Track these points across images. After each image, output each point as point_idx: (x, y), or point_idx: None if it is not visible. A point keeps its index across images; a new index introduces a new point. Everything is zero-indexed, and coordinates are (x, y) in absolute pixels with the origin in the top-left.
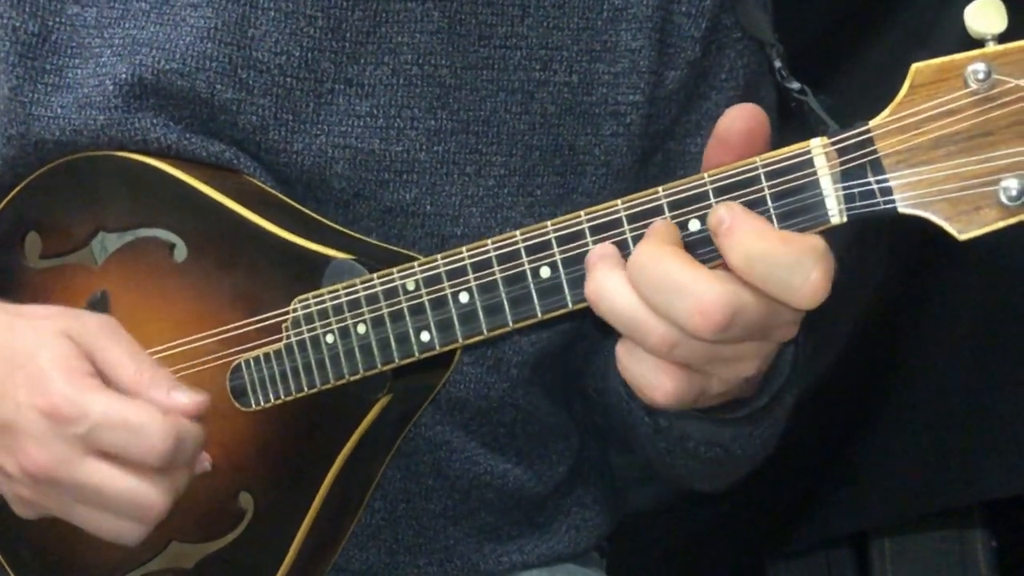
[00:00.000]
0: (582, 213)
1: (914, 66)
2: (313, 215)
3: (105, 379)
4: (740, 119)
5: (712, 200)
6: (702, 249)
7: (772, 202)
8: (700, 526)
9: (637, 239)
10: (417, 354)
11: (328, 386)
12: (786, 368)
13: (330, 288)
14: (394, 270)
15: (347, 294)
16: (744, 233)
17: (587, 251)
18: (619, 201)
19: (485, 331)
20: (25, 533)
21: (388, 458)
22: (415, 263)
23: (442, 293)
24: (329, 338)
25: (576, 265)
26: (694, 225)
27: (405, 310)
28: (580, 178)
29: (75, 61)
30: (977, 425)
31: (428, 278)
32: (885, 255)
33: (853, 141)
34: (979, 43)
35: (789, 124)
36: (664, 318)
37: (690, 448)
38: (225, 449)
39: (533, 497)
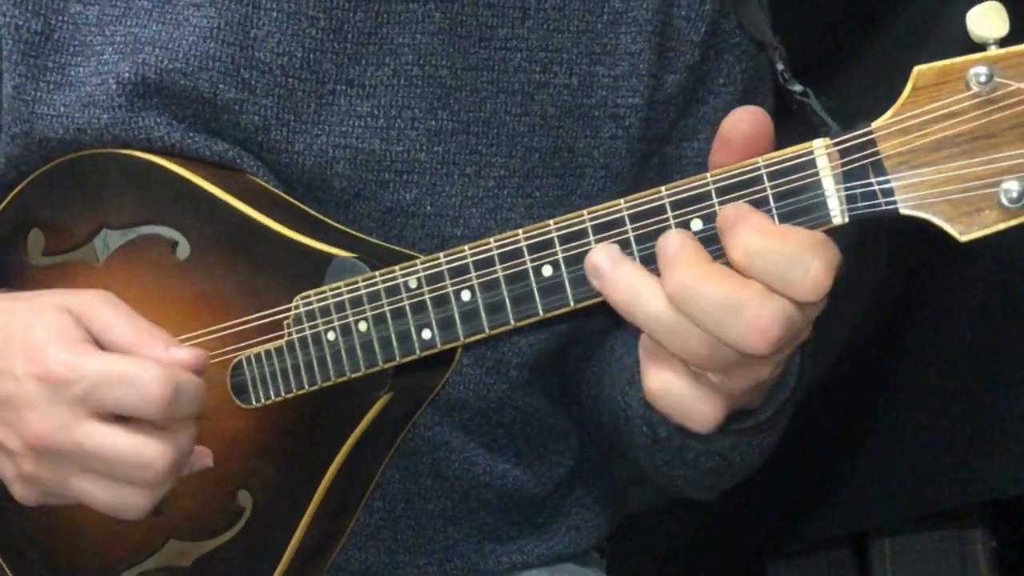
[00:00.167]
0: (584, 212)
1: (916, 68)
2: (316, 214)
3: (103, 345)
4: (743, 121)
5: (715, 200)
6: (705, 248)
7: (774, 202)
8: (700, 526)
9: (639, 238)
10: (418, 352)
11: (329, 383)
12: (792, 380)
13: (332, 286)
14: (396, 268)
15: (349, 291)
16: (745, 229)
17: (590, 249)
18: (621, 200)
19: (487, 329)
20: (24, 531)
21: (388, 457)
22: (417, 260)
23: (444, 291)
24: (330, 335)
25: (578, 264)
26: (696, 225)
27: (407, 308)
28: (579, 180)
29: (77, 59)
30: (977, 425)
31: (430, 276)
32: (885, 255)
33: (855, 142)
34: (980, 46)
35: (787, 127)
36: (710, 334)
37: (690, 458)
38: (225, 446)
39: (533, 498)
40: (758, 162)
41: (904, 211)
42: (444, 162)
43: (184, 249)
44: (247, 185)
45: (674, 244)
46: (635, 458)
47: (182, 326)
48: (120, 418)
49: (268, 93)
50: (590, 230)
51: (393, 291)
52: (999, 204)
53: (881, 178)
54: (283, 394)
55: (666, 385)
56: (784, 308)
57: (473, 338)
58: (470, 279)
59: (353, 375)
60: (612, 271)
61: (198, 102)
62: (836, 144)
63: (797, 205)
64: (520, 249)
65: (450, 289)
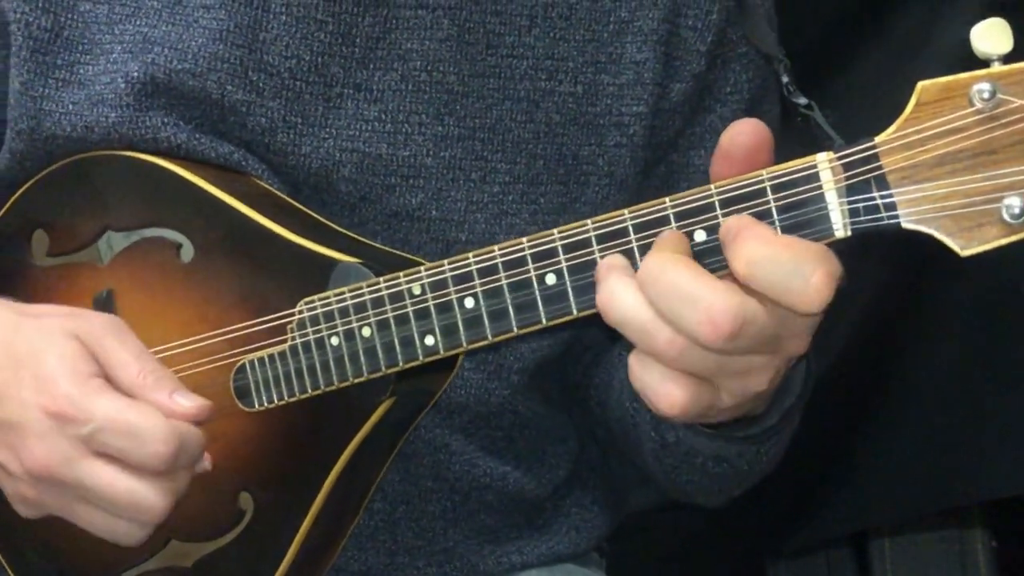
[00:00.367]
0: (589, 222)
1: (920, 84)
2: (320, 218)
3: (109, 379)
4: (744, 133)
5: (718, 211)
6: (708, 259)
7: (777, 214)
8: (700, 526)
9: (643, 248)
10: (421, 358)
11: (332, 388)
12: (797, 387)
13: (336, 291)
14: (400, 274)
15: (353, 297)
16: (747, 239)
17: (593, 259)
18: (626, 211)
19: (490, 336)
20: (25, 531)
21: (389, 461)
22: (421, 267)
23: (448, 298)
24: (334, 340)
25: (581, 273)
26: (700, 236)
27: (410, 314)
28: (583, 188)
29: (86, 57)
30: (977, 425)
31: (434, 283)
32: (884, 257)
33: (859, 156)
34: (984, 62)
35: (789, 138)
36: (673, 326)
37: (697, 464)
38: (227, 449)
39: (532, 499)
40: (762, 174)
41: (906, 225)
42: (450, 167)
43: (188, 252)
44: (251, 188)
45: (660, 237)
46: (644, 463)
47: (185, 329)
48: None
49: (276, 96)
50: (594, 240)
51: (397, 297)
52: (1000, 220)
53: (884, 192)
54: (286, 398)
55: (639, 359)
56: (743, 305)
57: (476, 345)
58: (474, 286)
59: (356, 380)
60: (604, 274)
61: (206, 103)
62: (840, 158)
63: (800, 218)
64: (524, 257)
65: (454, 296)
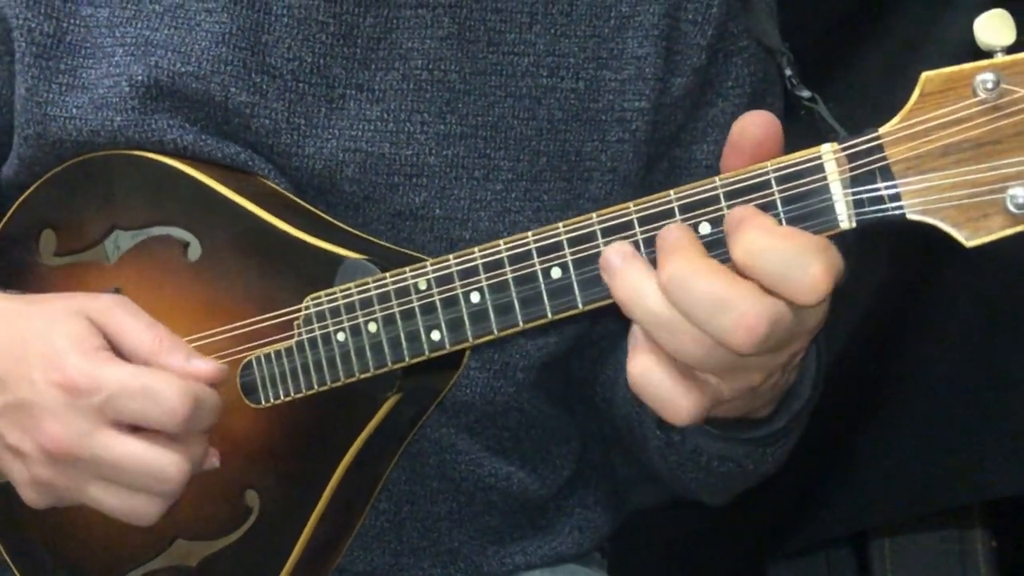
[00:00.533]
0: (594, 215)
1: (924, 75)
2: (326, 216)
3: (122, 351)
4: (753, 125)
5: (723, 204)
6: (713, 252)
7: (782, 206)
8: (700, 526)
9: (648, 241)
10: (427, 353)
11: (338, 384)
12: (807, 391)
13: (342, 287)
14: (406, 269)
15: (359, 292)
16: (748, 229)
17: (598, 253)
18: (630, 204)
19: (496, 331)
20: (30, 530)
21: (395, 459)
22: (427, 262)
23: (453, 292)
24: (340, 336)
25: (587, 267)
26: (704, 228)
27: (416, 309)
28: (587, 184)
29: (89, 62)
30: (977, 425)
31: (440, 277)
32: (885, 256)
33: (863, 147)
34: (987, 53)
35: (794, 130)
36: (702, 331)
37: (702, 462)
38: (233, 446)
39: (536, 500)
40: (767, 166)
41: (911, 216)
42: (453, 166)
43: (195, 250)
44: (258, 187)
45: (671, 236)
46: (650, 460)
47: (193, 326)
48: (135, 427)
49: (279, 97)
50: (599, 233)
51: (403, 292)
52: (1005, 210)
53: (888, 183)
54: (292, 394)
55: (646, 372)
56: (774, 308)
57: (482, 339)
58: (479, 281)
59: (362, 375)
60: (621, 266)
61: (210, 105)
62: (844, 149)
63: (805, 209)
64: (529, 251)
65: (459, 291)
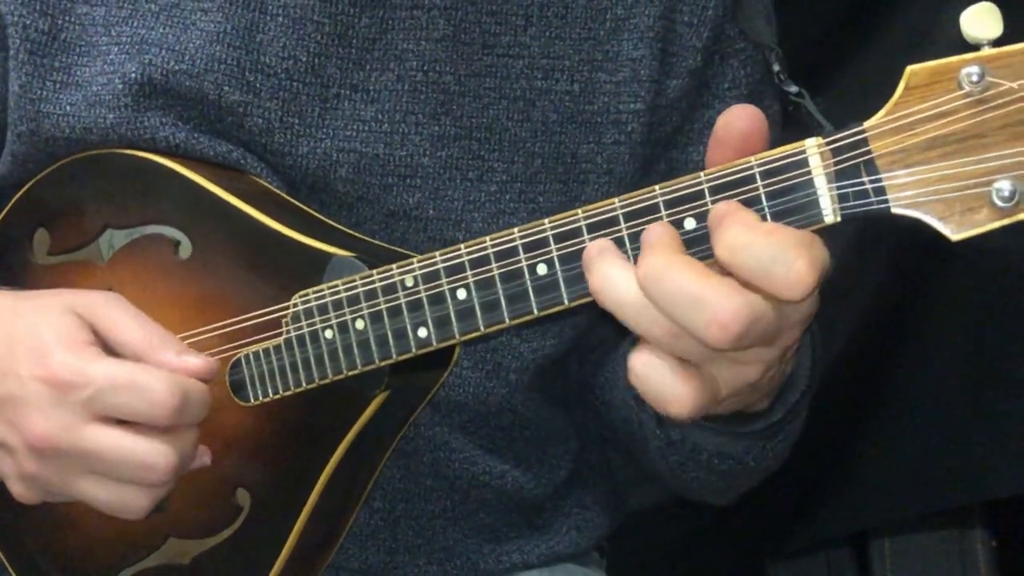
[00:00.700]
0: (579, 211)
1: (909, 68)
2: (316, 214)
3: (112, 347)
4: (739, 119)
5: (708, 199)
6: (697, 247)
7: (767, 201)
8: (700, 526)
9: (633, 236)
10: (414, 350)
11: (326, 381)
12: (802, 382)
13: (330, 284)
14: (393, 266)
15: (346, 289)
16: (731, 225)
17: (584, 248)
18: (616, 199)
19: (482, 327)
20: (24, 528)
21: (386, 457)
22: (414, 259)
23: (440, 289)
24: (328, 333)
25: (573, 263)
26: (690, 223)
27: (403, 306)
28: (582, 186)
29: (83, 59)
30: (977, 425)
31: (426, 274)
32: (884, 256)
33: (847, 141)
34: (975, 47)
35: (791, 131)
36: (678, 326)
37: (703, 460)
38: (223, 444)
39: (532, 499)
40: (751, 161)
41: (896, 210)
42: (447, 167)
43: (186, 248)
44: (249, 186)
45: (652, 233)
46: (650, 461)
47: (183, 324)
48: (122, 421)
49: (273, 96)
50: (584, 228)
51: (390, 289)
52: (991, 203)
53: (873, 177)
54: (281, 392)
55: (648, 365)
56: (750, 305)
57: (468, 336)
58: (465, 277)
59: (350, 373)
60: (596, 257)
61: (203, 104)
62: (828, 143)
63: (789, 204)
64: (515, 248)
65: (446, 287)
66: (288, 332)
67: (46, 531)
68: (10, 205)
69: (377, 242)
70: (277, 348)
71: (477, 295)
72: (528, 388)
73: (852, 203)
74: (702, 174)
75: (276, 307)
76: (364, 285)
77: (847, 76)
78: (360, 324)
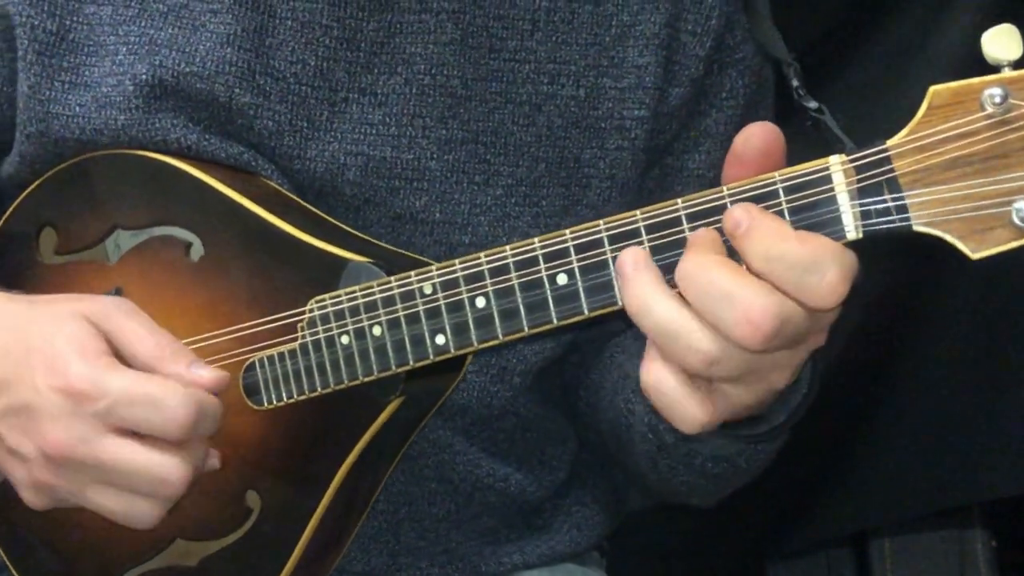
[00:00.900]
0: (601, 222)
1: (932, 88)
2: (330, 219)
3: (124, 356)
4: (756, 136)
5: None
6: None
7: (789, 216)
8: (700, 526)
9: (655, 250)
10: (432, 357)
11: (342, 387)
12: (804, 385)
13: (347, 289)
14: (411, 273)
15: (364, 296)
16: (763, 234)
17: (605, 259)
18: (638, 212)
19: (500, 336)
20: (30, 530)
21: (395, 461)
22: (432, 266)
23: (459, 297)
24: (344, 339)
25: (593, 273)
26: None
27: (421, 313)
28: (585, 190)
29: (91, 60)
30: (977, 425)
31: (445, 282)
32: (885, 257)
33: (871, 159)
34: (981, 62)
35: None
36: (710, 328)
37: (696, 465)
38: (235, 447)
39: (534, 500)
40: (774, 176)
41: (917, 228)
42: (453, 170)
43: (198, 250)
44: (262, 188)
45: (696, 234)
46: (635, 465)
47: (195, 327)
48: (136, 433)
49: (282, 100)
50: (606, 240)
51: (408, 296)
52: (1011, 223)
53: (895, 195)
54: (295, 396)
55: (660, 381)
56: (781, 305)
57: (487, 344)
58: (485, 286)
59: (366, 379)
60: (632, 274)
61: (213, 106)
62: (852, 161)
63: (812, 220)
64: (535, 257)
65: (465, 295)
66: (304, 337)
67: (50, 531)
68: (16, 203)
69: (391, 247)
70: (292, 352)
71: (496, 304)
72: (530, 390)
73: (874, 220)
74: (724, 188)
75: (292, 312)
76: (382, 291)
77: (844, 88)
78: (377, 330)
